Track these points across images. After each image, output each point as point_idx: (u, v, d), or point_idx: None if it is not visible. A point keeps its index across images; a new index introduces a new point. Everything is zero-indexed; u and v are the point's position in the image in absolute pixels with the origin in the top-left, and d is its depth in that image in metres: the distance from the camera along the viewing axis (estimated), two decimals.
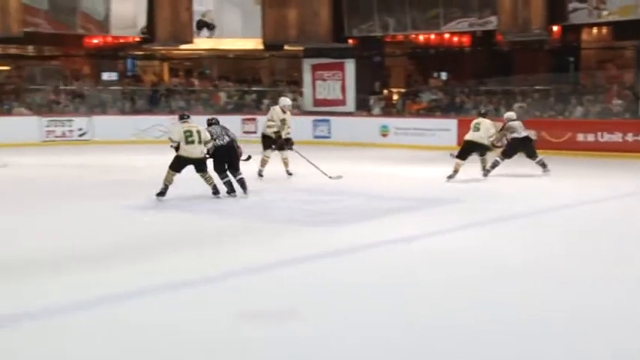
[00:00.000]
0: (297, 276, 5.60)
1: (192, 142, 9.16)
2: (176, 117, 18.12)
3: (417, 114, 18.25)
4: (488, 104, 16.72)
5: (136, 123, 17.88)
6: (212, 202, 9.06)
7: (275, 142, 11.42)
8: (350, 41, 18.86)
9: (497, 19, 16.89)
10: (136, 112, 18.98)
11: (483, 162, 11.35)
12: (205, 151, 9.23)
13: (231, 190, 9.26)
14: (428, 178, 11.49)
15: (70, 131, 17.63)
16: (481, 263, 5.98)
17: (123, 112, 19.21)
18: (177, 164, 9.16)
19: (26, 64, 21.22)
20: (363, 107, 18.96)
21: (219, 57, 21.97)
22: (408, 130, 17.37)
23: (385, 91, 19.81)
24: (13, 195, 9.94)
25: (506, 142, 11.48)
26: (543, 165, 11.59)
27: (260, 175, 11.28)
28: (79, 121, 17.70)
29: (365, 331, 4.32)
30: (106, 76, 20.75)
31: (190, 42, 19.41)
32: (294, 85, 20.70)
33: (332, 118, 18.53)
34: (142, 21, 18.83)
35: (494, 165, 11.38)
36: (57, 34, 18.22)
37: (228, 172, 9.30)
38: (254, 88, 20.65)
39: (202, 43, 20.09)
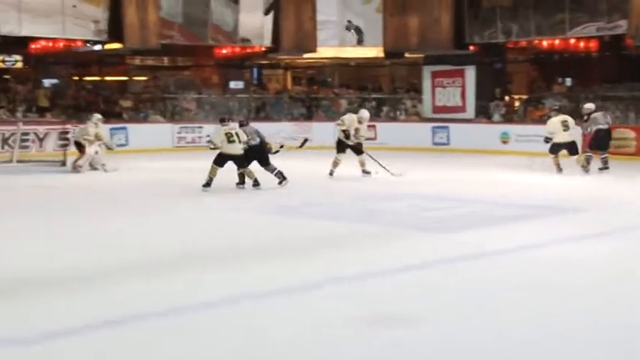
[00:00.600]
0: (424, 280, 5.52)
1: (234, 141, 10.67)
2: (299, 123, 18.67)
3: (540, 120, 17.62)
4: (614, 110, 15.93)
5: (262, 130, 18.32)
6: (323, 207, 9.18)
7: (348, 146, 12.20)
8: (471, 48, 18.52)
9: (628, 23, 16.02)
10: (260, 119, 19.53)
11: (580, 161, 11.38)
12: (243, 148, 10.67)
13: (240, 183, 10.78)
14: (547, 184, 11.13)
15: (200, 137, 18.40)
16: (613, 270, 5.74)
17: (248, 120, 19.79)
18: (220, 160, 10.64)
19: (162, 75, 22.44)
20: (482, 114, 18.56)
21: (341, 65, 22.19)
22: (529, 136, 16.81)
23: (506, 98, 19.28)
24: (142, 196, 10.39)
25: (589, 133, 11.53)
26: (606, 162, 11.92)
27: (331, 174, 12.20)
28: (208, 128, 18.43)
29: (502, 334, 4.24)
30: (233, 84, 21.53)
31: (314, 51, 19.74)
32: (414, 92, 20.58)
33: (451, 125, 18.25)
34: (268, 32, 19.37)
35: (588, 159, 11.34)
36: (189, 45, 19.10)
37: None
38: (374, 96, 20.71)
39: (325, 51, 20.38)
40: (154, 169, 13.81)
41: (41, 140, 15.64)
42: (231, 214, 8.65)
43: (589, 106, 12.46)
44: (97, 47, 18.29)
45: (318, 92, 21.44)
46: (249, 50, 20.21)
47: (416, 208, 8.95)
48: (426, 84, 19.46)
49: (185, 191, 10.77)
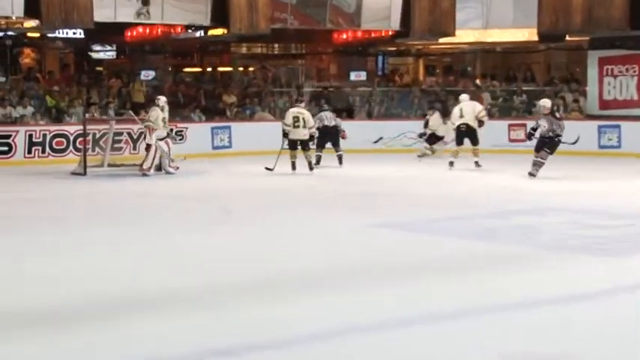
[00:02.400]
0: (589, 315, 5.38)
1: (299, 126, 14.06)
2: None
3: None
4: None
5: (384, 129, 18.35)
6: (462, 221, 9.10)
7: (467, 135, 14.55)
8: None
9: None
10: (385, 116, 19.50)
11: None
12: (309, 133, 14.17)
13: (317, 162, 14.82)
14: None
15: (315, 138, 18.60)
16: None
17: (370, 117, 19.86)
18: (291, 144, 14.17)
19: (271, 65, 22.94)
20: None
21: (485, 51, 21.84)
22: None
23: None
24: (248, 204, 10.68)
25: None
26: None
27: (451, 164, 14.58)
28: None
29: None
30: (354, 75, 21.68)
31: (451, 35, 19.52)
32: (575, 83, 19.91)
33: (623, 124, 17.50)
34: (396, 13, 19.32)
35: None
36: (304, 30, 19.39)
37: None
38: (525, 88, 20.21)
39: (465, 35, 20.12)
40: (260, 174, 14.09)
41: (135, 141, 16.33)
42: (353, 227, 8.69)
43: None
44: (199, 33, 18.95)
45: (456, 84, 21.18)
46: (373, 35, 20.27)
47: (576, 225, 8.77)
48: (592, 73, 18.79)
49: (296, 200, 10.98)
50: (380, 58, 23.28)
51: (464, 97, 15.52)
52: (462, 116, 14.78)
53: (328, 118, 15.62)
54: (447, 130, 16.37)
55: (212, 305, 5.59)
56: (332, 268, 6.76)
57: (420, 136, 17.29)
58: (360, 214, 9.73)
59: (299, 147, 14.19)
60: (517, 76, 21.42)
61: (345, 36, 20.49)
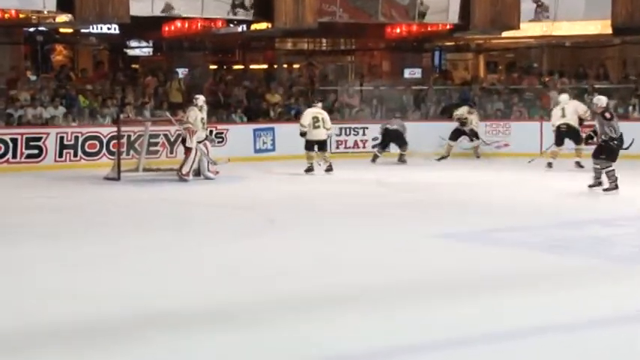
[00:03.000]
0: None
1: (319, 126, 14.94)
2: (494, 122, 18.12)
3: None
4: None
5: (442, 130, 18.03)
6: (534, 232, 8.90)
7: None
8: None
9: None
10: (442, 117, 19.20)
11: None
12: (327, 133, 15.13)
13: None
14: None
15: (364, 141, 18.38)
16: None
17: (427, 118, 19.57)
18: (308, 145, 14.97)
19: (319, 61, 22.80)
20: None
21: (552, 46, 21.44)
22: None
23: None
24: (292, 212, 10.64)
25: None
26: None
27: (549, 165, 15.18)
28: (374, 129, 18.36)
29: None
30: (408, 73, 21.39)
31: (515, 28, 19.17)
32: None
33: None
34: (455, 4, 19.03)
35: None
36: (353, 24, 19.19)
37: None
38: (597, 85, 19.67)
39: (530, 28, 19.74)
40: (305, 180, 13.96)
41: (172, 144, 16.26)
42: (411, 238, 8.51)
43: None
44: (241, 28, 18.85)
45: (520, 82, 20.79)
46: (430, 29, 19.99)
47: None
48: None
49: (344, 208, 10.85)
50: (436, 53, 22.98)
51: (564, 97, 16.21)
52: (563, 116, 15.51)
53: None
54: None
55: (260, 323, 5.48)
56: (393, 283, 6.68)
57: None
58: (418, 223, 9.62)
59: (316, 148, 14.94)
60: (588, 73, 20.91)
61: (398, 30, 20.27)
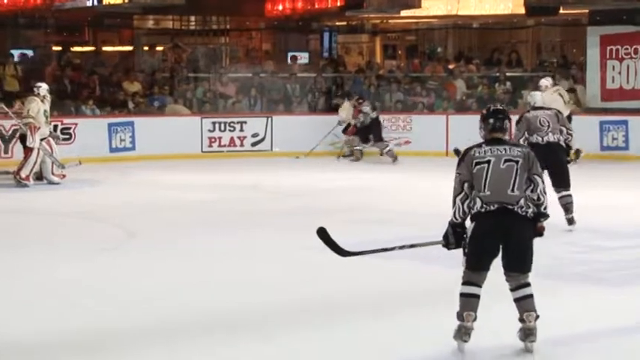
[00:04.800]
0: None
1: None
2: (396, 116, 18.44)
3: None
4: None
5: (332, 125, 18.26)
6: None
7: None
8: None
9: None
10: (333, 110, 19.42)
11: None
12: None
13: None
14: None
15: (242, 138, 18.44)
16: None
17: (315, 111, 19.77)
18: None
19: (186, 44, 22.71)
20: None
21: (458, 27, 21.98)
22: None
23: None
24: (157, 224, 10.53)
25: None
26: None
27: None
28: (254, 124, 18.46)
29: None
30: (292, 57, 21.55)
31: (416, 6, 19.60)
32: (571, 67, 20.14)
33: (631, 119, 17.73)
34: None
35: None
36: None
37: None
38: (509, 74, 20.36)
39: (433, 6, 20.21)
40: (172, 186, 13.92)
41: (7, 142, 15.96)
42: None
43: None
44: (91, 2, 18.62)
45: (421, 69, 21.26)
46: (317, 6, 20.23)
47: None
48: (592, 55, 19.01)
49: (223, 218, 10.90)
50: (326, 35, 23.22)
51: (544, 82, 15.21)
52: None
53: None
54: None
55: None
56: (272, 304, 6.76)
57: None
58: (298, 234, 9.48)
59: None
60: (500, 59, 21.59)
61: (280, 7, 20.42)
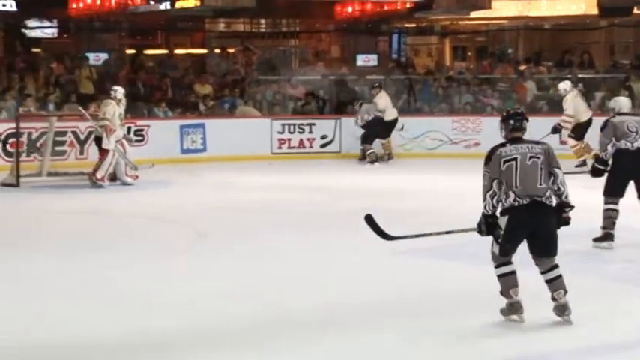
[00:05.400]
0: None
1: None
2: (460, 117, 18.27)
3: None
4: None
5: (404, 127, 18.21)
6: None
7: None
8: None
9: None
10: (410, 111, 19.35)
11: None
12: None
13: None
14: None
15: (310, 140, 18.45)
16: None
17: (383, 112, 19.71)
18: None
19: (256, 46, 22.83)
20: None
21: (529, 29, 21.78)
22: None
23: None
24: (228, 226, 10.56)
25: None
26: None
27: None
28: (322, 126, 18.45)
29: None
30: (361, 59, 21.54)
31: (486, 8, 19.46)
32: None
33: None
34: None
35: None
36: (298, 1, 19.32)
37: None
38: (581, 75, 20.08)
39: (503, 8, 20.05)
40: (242, 187, 13.98)
41: (83, 143, 16.17)
42: (370, 255, 8.61)
43: None
44: (164, 6, 18.80)
45: (491, 71, 21.08)
46: (387, 8, 20.19)
47: None
48: None
49: (288, 219, 10.92)
50: (395, 37, 23.17)
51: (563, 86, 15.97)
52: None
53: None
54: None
55: None
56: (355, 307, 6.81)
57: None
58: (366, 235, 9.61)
59: None
60: (571, 60, 21.31)
61: (350, 9, 20.42)
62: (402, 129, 17.68)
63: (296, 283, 7.69)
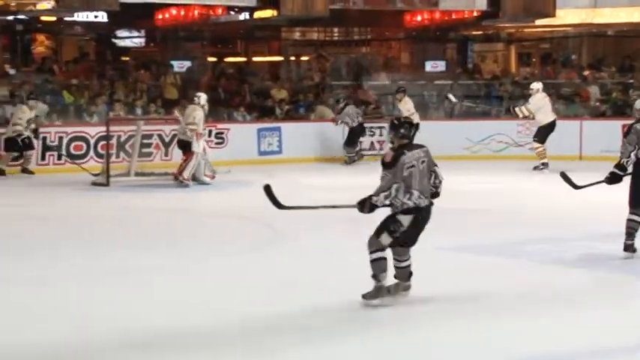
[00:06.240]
0: None
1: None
2: (524, 122, 18.18)
3: None
4: None
5: (469, 131, 18.23)
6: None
7: None
8: None
9: None
10: (470, 115, 19.32)
11: None
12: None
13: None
14: None
15: (381, 142, 18.53)
16: None
17: (451, 116, 19.74)
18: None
19: (330, 53, 22.99)
20: None
21: (592, 36, 21.53)
22: None
23: None
24: (300, 223, 10.48)
25: None
26: None
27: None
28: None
29: None
30: (430, 65, 21.56)
31: (551, 15, 19.31)
32: None
33: None
34: None
35: None
36: (369, 11, 19.38)
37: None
38: None
39: (568, 16, 19.88)
40: (317, 187, 14.10)
41: (167, 145, 16.50)
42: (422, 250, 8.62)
43: None
44: (243, 16, 19.06)
45: (555, 76, 20.92)
46: (455, 17, 20.16)
47: None
48: None
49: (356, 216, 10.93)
50: (462, 44, 23.12)
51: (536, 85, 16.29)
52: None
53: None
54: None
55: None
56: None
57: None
58: (431, 235, 9.65)
59: None
60: (633, 65, 21.04)
61: (419, 18, 20.43)
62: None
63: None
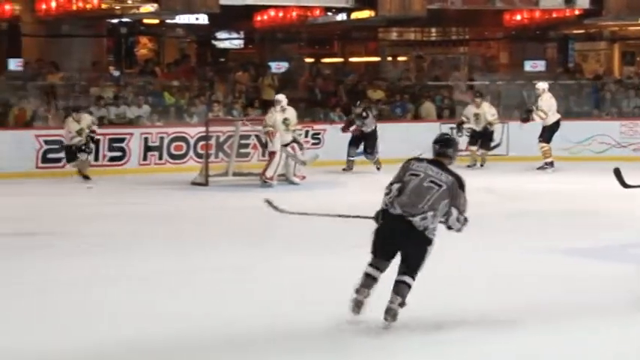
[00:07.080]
0: None
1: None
2: (628, 121, 17.70)
3: None
4: None
5: (569, 131, 17.76)
6: None
7: None
8: None
9: None
10: (570, 115, 18.87)
11: None
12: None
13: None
14: None
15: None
16: None
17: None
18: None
19: (427, 53, 22.80)
20: None
21: None
22: None
23: None
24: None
25: None
26: None
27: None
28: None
29: None
30: (529, 65, 21.14)
31: None
32: None
33: None
34: None
35: None
36: (467, 10, 19.14)
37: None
38: None
39: None
40: None
41: (264, 146, 16.51)
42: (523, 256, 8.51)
43: None
44: (340, 17, 19.02)
45: None
46: (555, 15, 19.77)
47: None
48: None
49: None
50: (563, 43, 22.64)
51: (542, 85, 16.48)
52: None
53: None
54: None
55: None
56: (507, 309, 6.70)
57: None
58: (535, 238, 9.52)
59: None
60: None
61: (518, 17, 20.14)
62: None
63: (468, 281, 7.63)
